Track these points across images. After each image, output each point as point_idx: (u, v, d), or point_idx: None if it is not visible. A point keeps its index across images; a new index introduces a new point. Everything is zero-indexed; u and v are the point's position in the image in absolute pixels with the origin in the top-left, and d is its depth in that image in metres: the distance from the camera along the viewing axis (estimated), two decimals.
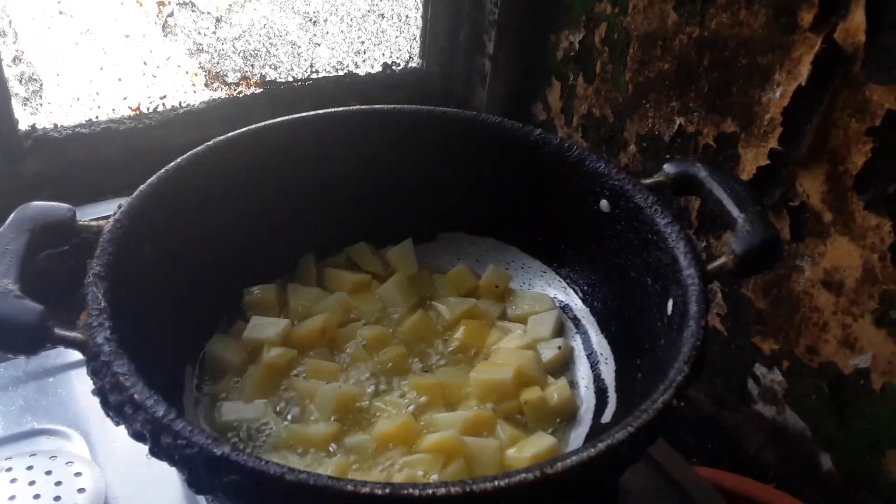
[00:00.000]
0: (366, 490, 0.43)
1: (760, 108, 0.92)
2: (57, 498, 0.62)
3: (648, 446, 0.50)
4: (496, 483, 0.44)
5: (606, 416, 0.66)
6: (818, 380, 0.95)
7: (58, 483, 0.63)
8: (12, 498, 0.61)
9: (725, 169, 0.95)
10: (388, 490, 0.43)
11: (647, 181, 0.71)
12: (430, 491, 0.43)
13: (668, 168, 0.71)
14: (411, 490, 0.44)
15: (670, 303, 0.63)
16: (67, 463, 0.66)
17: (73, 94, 0.95)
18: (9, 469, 0.64)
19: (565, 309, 0.77)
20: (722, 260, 0.62)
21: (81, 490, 0.63)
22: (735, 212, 0.64)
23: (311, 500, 0.44)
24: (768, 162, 0.93)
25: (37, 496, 0.62)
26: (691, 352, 0.54)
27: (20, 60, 0.90)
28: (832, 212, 0.88)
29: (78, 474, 0.65)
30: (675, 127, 1.04)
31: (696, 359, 0.54)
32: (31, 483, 0.63)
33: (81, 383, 0.76)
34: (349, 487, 0.44)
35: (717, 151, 0.99)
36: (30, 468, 0.64)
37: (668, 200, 1.01)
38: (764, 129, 0.93)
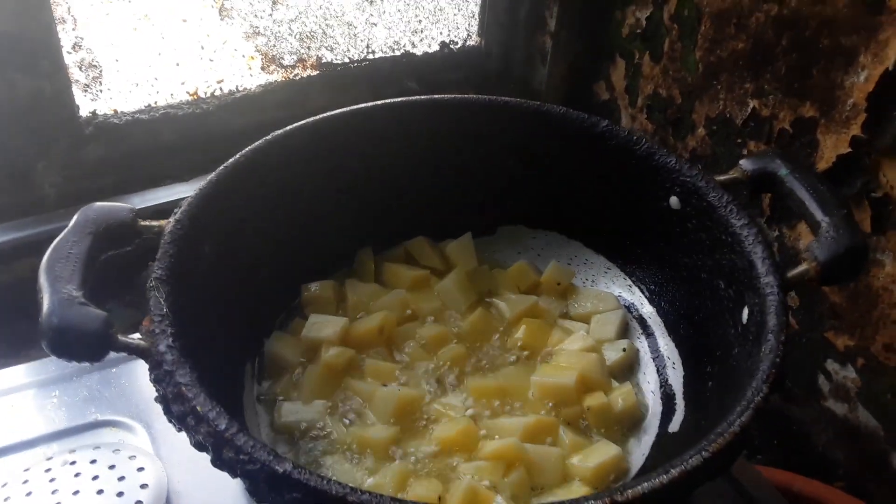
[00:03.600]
0: None
1: (843, 93, 0.87)
2: (120, 494, 0.62)
3: (724, 472, 0.48)
4: None
5: (674, 425, 0.64)
6: (895, 379, 0.91)
7: (121, 478, 0.64)
8: (76, 493, 0.62)
9: (804, 159, 0.90)
10: None
11: (722, 178, 0.67)
12: None
13: (745, 164, 0.67)
14: None
15: (745, 311, 0.60)
16: (130, 457, 0.66)
17: (132, 80, 0.94)
18: (73, 462, 0.65)
19: (630, 309, 0.75)
20: (803, 267, 0.59)
21: (144, 486, 0.64)
22: (819, 214, 0.60)
23: None
24: (850, 150, 0.87)
25: (100, 491, 0.62)
26: (770, 369, 0.51)
27: (80, 47, 0.90)
28: None
29: (141, 469, 0.65)
30: (749, 110, 0.98)
31: (775, 377, 0.51)
32: (95, 478, 0.64)
33: (144, 374, 0.77)
34: None
35: (793, 137, 0.94)
36: (93, 462, 0.65)
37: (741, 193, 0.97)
38: (846, 115, 0.87)
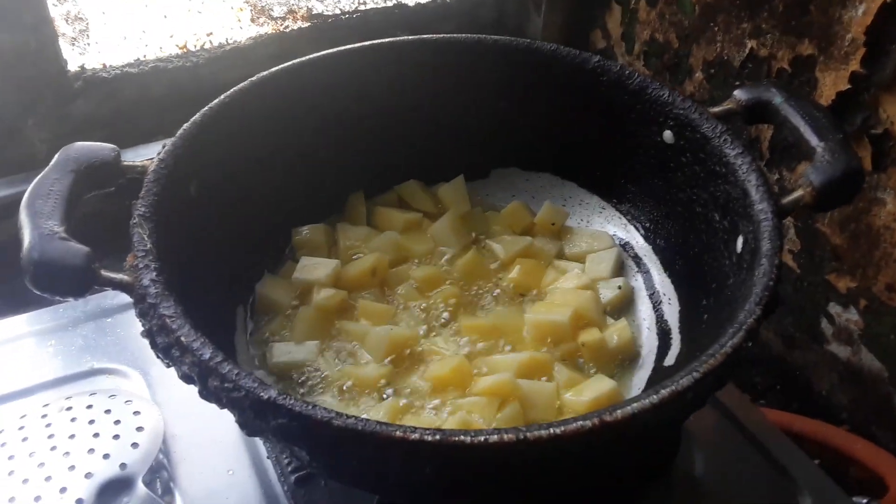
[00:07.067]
0: (415, 436, 0.42)
1: (841, 28, 0.85)
2: (116, 436, 0.62)
3: (715, 392, 0.47)
4: (551, 431, 0.42)
5: (670, 359, 0.63)
6: None
7: (117, 422, 0.64)
8: (72, 437, 0.62)
9: (803, 98, 0.88)
10: (437, 437, 0.42)
11: (716, 109, 0.66)
12: (481, 438, 0.42)
13: (738, 94, 0.66)
14: (462, 437, 0.42)
15: (740, 240, 0.59)
16: (126, 402, 0.66)
17: (119, 33, 0.93)
18: (69, 408, 0.65)
19: (626, 247, 0.74)
20: (798, 193, 0.58)
21: (140, 428, 0.64)
22: (814, 140, 0.59)
23: (360, 446, 0.43)
24: (849, 86, 0.86)
25: (96, 434, 0.62)
26: (763, 292, 0.50)
27: None
28: None
29: (137, 413, 0.65)
30: (746, 51, 0.97)
31: (768, 300, 0.50)
32: (91, 422, 0.63)
33: (139, 323, 0.77)
34: (398, 434, 0.42)
35: (792, 76, 0.92)
36: (89, 407, 0.65)
37: (738, 130, 0.96)
38: (845, 51, 0.85)
